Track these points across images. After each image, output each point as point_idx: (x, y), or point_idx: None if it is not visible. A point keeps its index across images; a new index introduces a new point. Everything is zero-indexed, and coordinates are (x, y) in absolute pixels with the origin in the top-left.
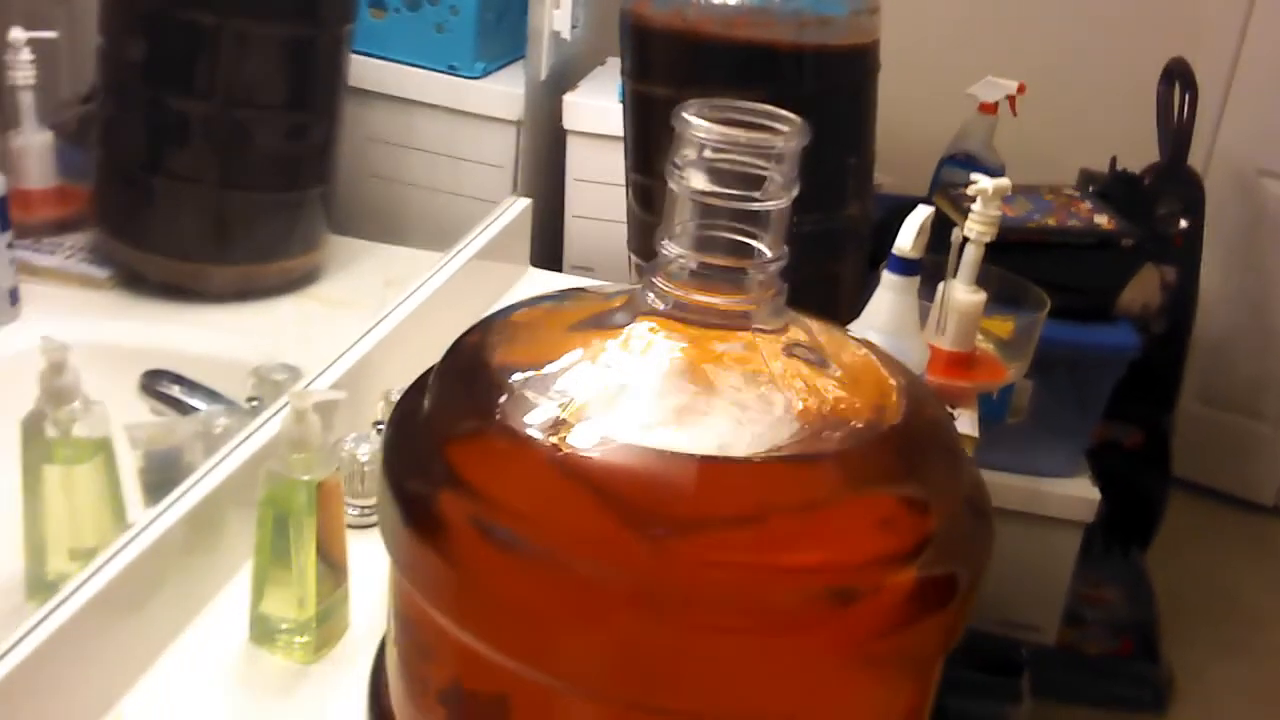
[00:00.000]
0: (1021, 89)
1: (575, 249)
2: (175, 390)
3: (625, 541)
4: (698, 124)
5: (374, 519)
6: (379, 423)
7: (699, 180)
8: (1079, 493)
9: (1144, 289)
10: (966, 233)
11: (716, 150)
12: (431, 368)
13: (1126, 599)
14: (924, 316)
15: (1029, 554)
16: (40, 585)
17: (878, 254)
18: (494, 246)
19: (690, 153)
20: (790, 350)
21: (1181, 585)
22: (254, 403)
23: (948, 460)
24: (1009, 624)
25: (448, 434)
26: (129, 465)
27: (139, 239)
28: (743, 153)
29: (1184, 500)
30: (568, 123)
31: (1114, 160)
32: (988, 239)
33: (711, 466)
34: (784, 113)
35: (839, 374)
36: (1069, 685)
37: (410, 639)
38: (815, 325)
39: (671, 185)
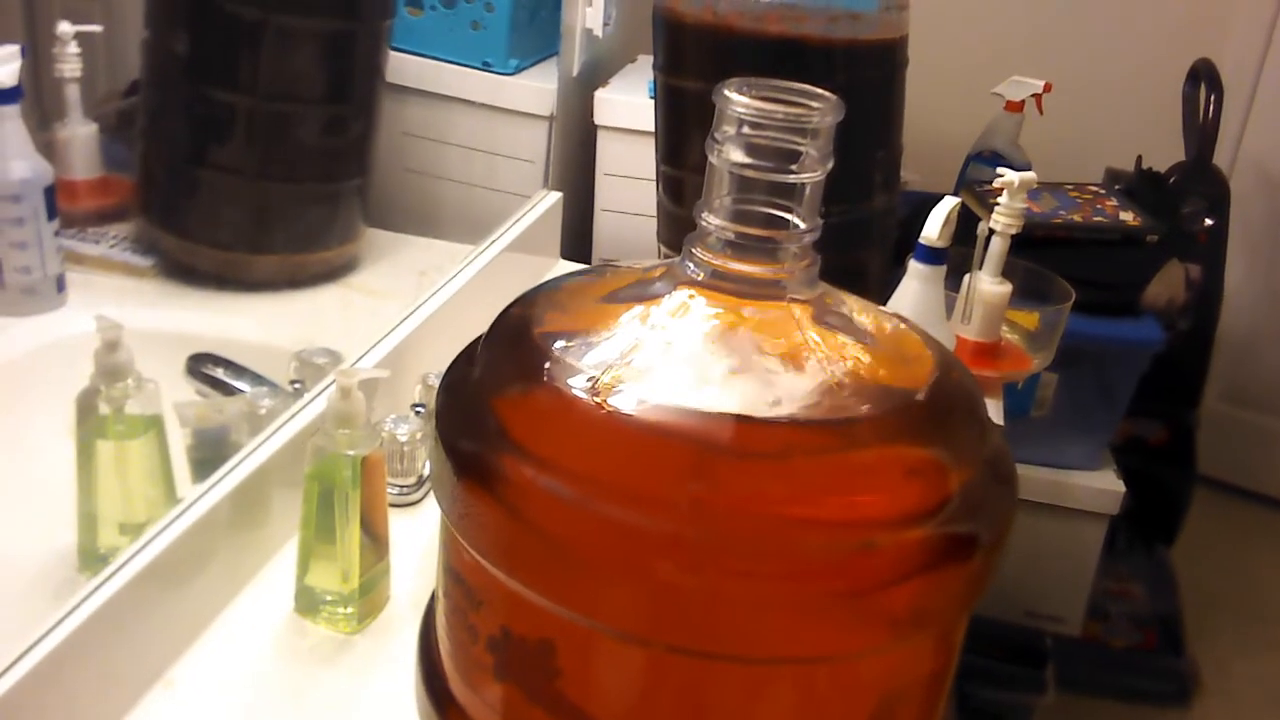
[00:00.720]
0: (1048, 88)
1: (604, 242)
2: (220, 373)
3: (665, 492)
4: (737, 100)
5: (413, 497)
6: (417, 405)
7: (737, 154)
8: (1104, 485)
9: (1169, 285)
10: (992, 225)
11: (754, 126)
12: (478, 338)
13: (1151, 593)
14: (950, 308)
15: (1054, 546)
16: (92, 558)
17: (904, 249)
18: (525, 239)
19: (729, 128)
20: (822, 318)
21: (1206, 581)
22: (296, 385)
23: (972, 425)
24: (1034, 615)
25: (498, 395)
26: (178, 443)
27: (182, 229)
28: (779, 128)
29: (1208, 497)
30: (599, 118)
31: (1139, 159)
32: (1013, 231)
33: (744, 424)
34: (819, 90)
35: (869, 341)
36: (1093, 677)
37: (461, 590)
38: (847, 297)
39: (711, 159)
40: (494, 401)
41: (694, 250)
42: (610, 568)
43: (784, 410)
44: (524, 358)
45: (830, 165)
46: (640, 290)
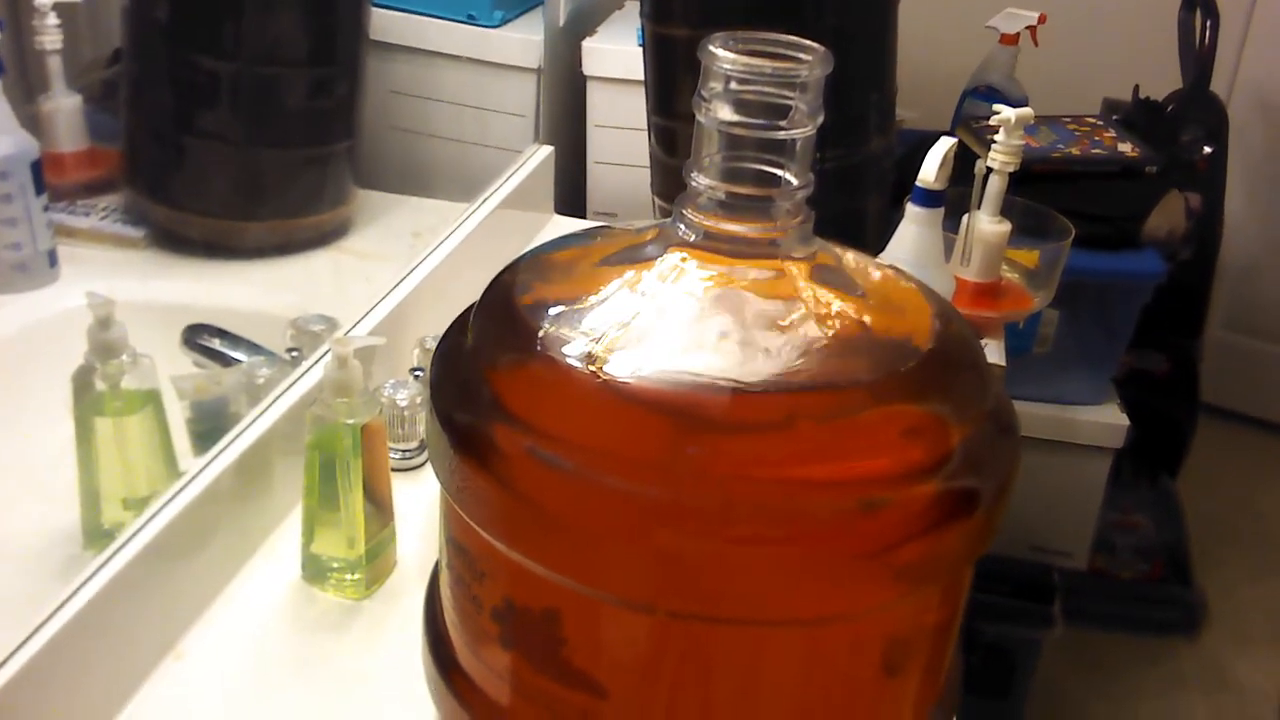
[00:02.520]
0: (1042, 19)
1: (598, 195)
2: (217, 343)
3: (664, 459)
4: (723, 56)
5: (415, 462)
6: (415, 369)
7: (725, 112)
8: (1108, 419)
9: (1169, 215)
10: (990, 163)
11: (742, 81)
12: (471, 307)
13: (1156, 524)
14: (949, 249)
15: (1059, 481)
16: (97, 535)
17: (901, 189)
18: (518, 195)
19: (716, 85)
20: (819, 275)
21: (1211, 509)
22: (294, 353)
23: (973, 378)
24: (1040, 550)
25: (492, 365)
26: (177, 416)
27: (170, 198)
28: (767, 83)
29: (1212, 425)
30: (587, 69)
31: (1136, 88)
32: (1011, 169)
33: (742, 387)
34: (807, 42)
35: (866, 297)
36: (1101, 609)
37: (463, 561)
38: (843, 252)
39: (699, 117)
40: (488, 372)
41: (685, 211)
42: (613, 537)
43: (782, 372)
44: (517, 327)
45: (821, 119)
46: (632, 254)
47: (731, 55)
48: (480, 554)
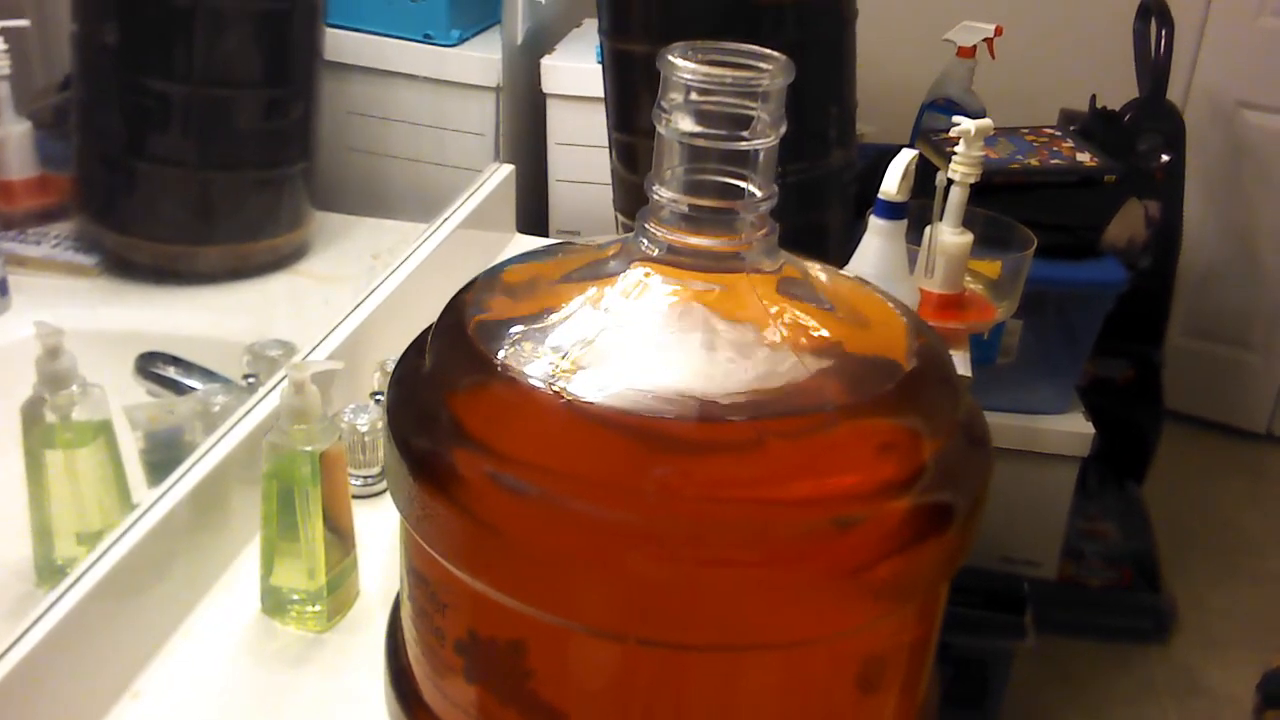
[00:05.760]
0: (998, 32)
1: (560, 213)
2: (171, 371)
3: (630, 482)
4: (683, 65)
5: (376, 488)
6: (376, 393)
7: (686, 123)
8: (1072, 428)
9: (1129, 224)
10: (951, 175)
11: (702, 92)
12: (429, 328)
13: (1124, 531)
14: (912, 261)
15: (1026, 491)
16: (50, 570)
17: (863, 203)
18: (479, 214)
19: (676, 96)
20: (785, 289)
21: (1179, 515)
22: (250, 380)
23: (943, 390)
24: (1009, 560)
25: (451, 388)
26: (131, 447)
27: (122, 224)
28: (728, 93)
29: (1177, 431)
30: (547, 86)
31: (1094, 98)
32: (972, 180)
33: (710, 405)
34: (768, 51)
35: (833, 309)
36: (1071, 618)
37: (425, 592)
38: (808, 264)
39: (659, 129)
40: (447, 395)
41: (647, 225)
42: (580, 564)
43: (750, 390)
44: (476, 348)
45: (784, 129)
46: (595, 270)
47: (691, 65)
48: (442, 584)
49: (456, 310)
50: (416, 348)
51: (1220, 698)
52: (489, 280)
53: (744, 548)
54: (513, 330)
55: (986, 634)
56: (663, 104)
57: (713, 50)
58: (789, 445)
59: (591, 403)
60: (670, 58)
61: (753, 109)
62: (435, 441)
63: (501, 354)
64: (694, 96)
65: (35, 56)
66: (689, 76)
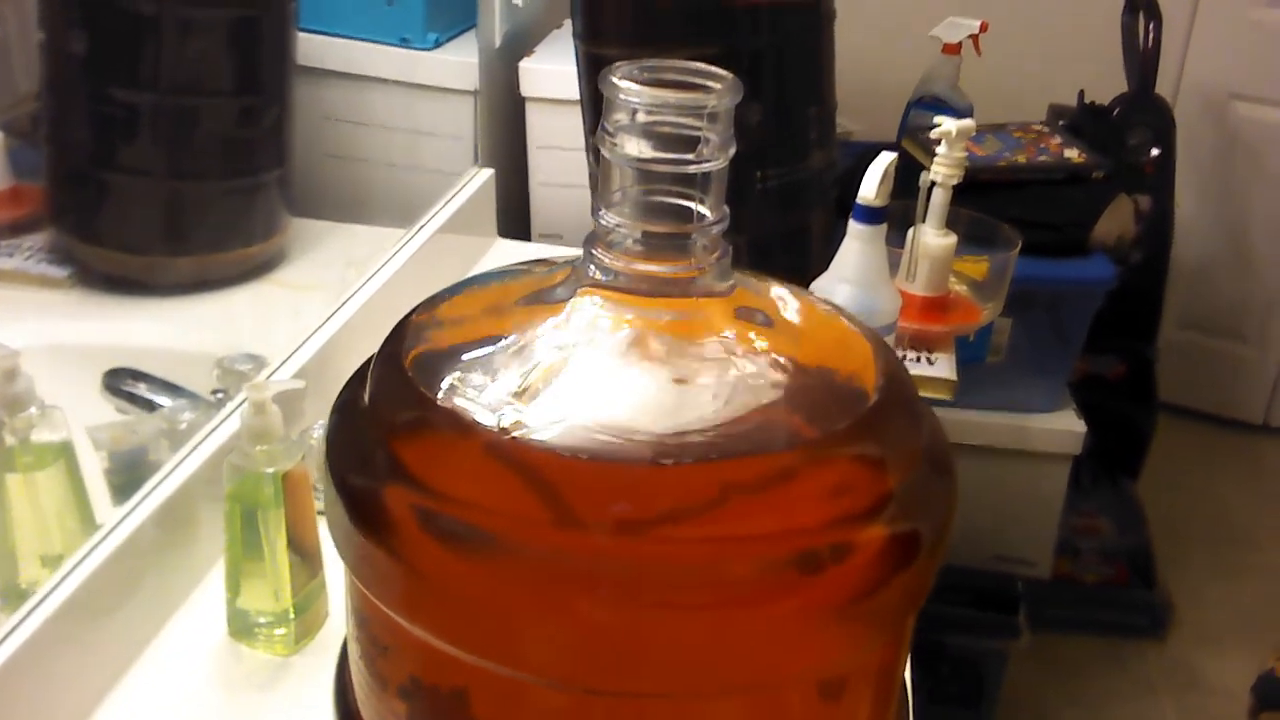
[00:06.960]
0: (984, 28)
1: (542, 217)
2: (139, 388)
3: (579, 527)
4: (627, 87)
5: None
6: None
7: (632, 146)
8: (1064, 426)
9: (1118, 220)
10: (933, 176)
11: (648, 113)
12: (373, 356)
13: (1118, 527)
14: (895, 263)
15: (1019, 490)
16: (15, 594)
17: (846, 202)
18: (459, 219)
19: (622, 117)
20: (739, 313)
21: (1175, 509)
22: (219, 395)
23: (906, 415)
24: (1003, 559)
25: (390, 424)
26: (95, 467)
27: (94, 235)
28: (675, 114)
29: (1173, 425)
30: (525, 89)
31: (1082, 93)
32: (954, 181)
33: (662, 443)
34: (716, 70)
35: (790, 333)
36: (1067, 615)
37: (367, 636)
38: (763, 285)
39: (604, 152)
40: (385, 431)
41: (595, 251)
42: (523, 612)
43: (705, 422)
44: (419, 380)
45: (734, 149)
46: (542, 297)
47: (635, 86)
48: (383, 628)
49: (399, 339)
50: (358, 377)
51: (1217, 692)
52: (434, 307)
53: (699, 590)
54: (454, 362)
55: (980, 634)
56: (606, 126)
57: (659, 69)
58: (745, 483)
59: (535, 440)
60: (613, 79)
61: (701, 129)
62: (372, 481)
63: (444, 389)
64: (640, 117)
65: (12, 66)
66: (634, 98)
